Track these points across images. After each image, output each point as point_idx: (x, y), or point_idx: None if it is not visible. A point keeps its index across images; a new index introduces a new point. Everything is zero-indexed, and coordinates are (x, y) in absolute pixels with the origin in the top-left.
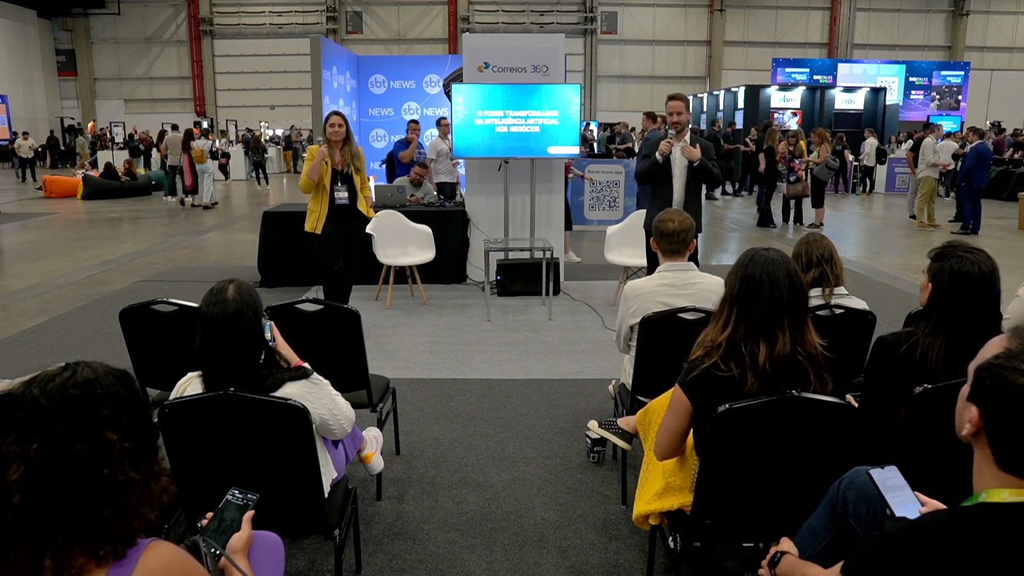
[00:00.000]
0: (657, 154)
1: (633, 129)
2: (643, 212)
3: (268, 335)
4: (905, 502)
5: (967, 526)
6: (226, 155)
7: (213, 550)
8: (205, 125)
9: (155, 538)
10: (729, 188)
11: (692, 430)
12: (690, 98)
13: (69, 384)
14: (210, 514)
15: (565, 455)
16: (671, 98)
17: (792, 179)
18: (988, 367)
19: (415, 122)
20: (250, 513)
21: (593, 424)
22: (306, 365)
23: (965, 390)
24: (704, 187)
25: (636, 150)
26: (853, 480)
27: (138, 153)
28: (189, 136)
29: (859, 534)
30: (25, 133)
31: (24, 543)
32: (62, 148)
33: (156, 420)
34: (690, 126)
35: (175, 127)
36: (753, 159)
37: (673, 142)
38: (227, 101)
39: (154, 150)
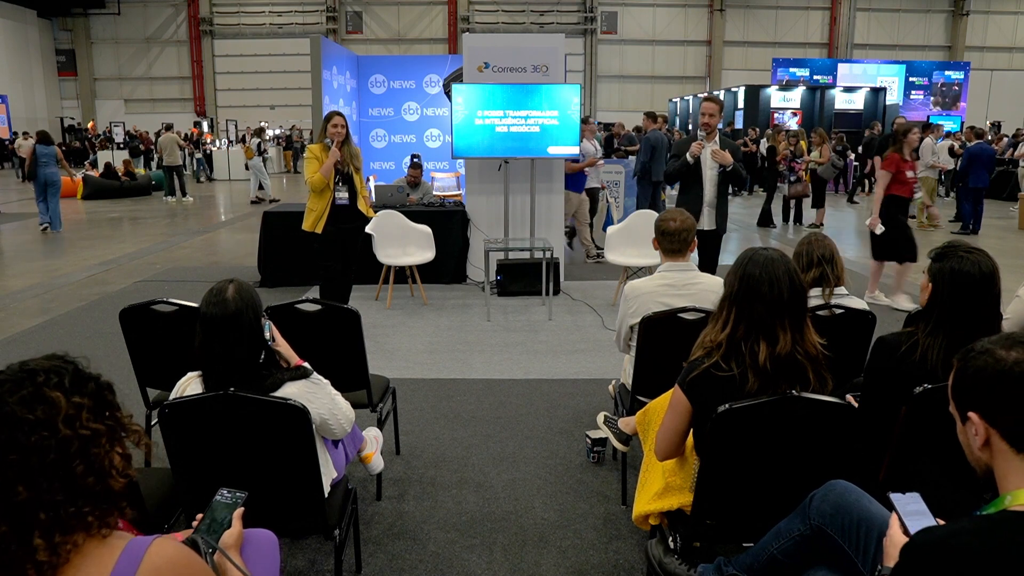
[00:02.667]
0: (688, 155)
1: (637, 128)
2: (643, 212)
3: (268, 335)
4: (923, 525)
5: (994, 534)
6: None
7: (209, 547)
8: (206, 125)
9: (159, 535)
10: (729, 188)
11: (692, 430)
12: (690, 98)
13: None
14: (200, 515)
15: (565, 455)
16: (705, 99)
17: (793, 179)
18: (958, 375)
19: (586, 121)
20: (240, 510)
21: (600, 417)
22: (306, 365)
23: (959, 424)
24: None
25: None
26: (827, 494)
27: (138, 153)
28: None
29: (840, 544)
30: (25, 133)
31: (8, 525)
32: (65, 148)
33: (156, 419)
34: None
35: (168, 127)
36: (753, 159)
37: (704, 144)
38: (227, 101)
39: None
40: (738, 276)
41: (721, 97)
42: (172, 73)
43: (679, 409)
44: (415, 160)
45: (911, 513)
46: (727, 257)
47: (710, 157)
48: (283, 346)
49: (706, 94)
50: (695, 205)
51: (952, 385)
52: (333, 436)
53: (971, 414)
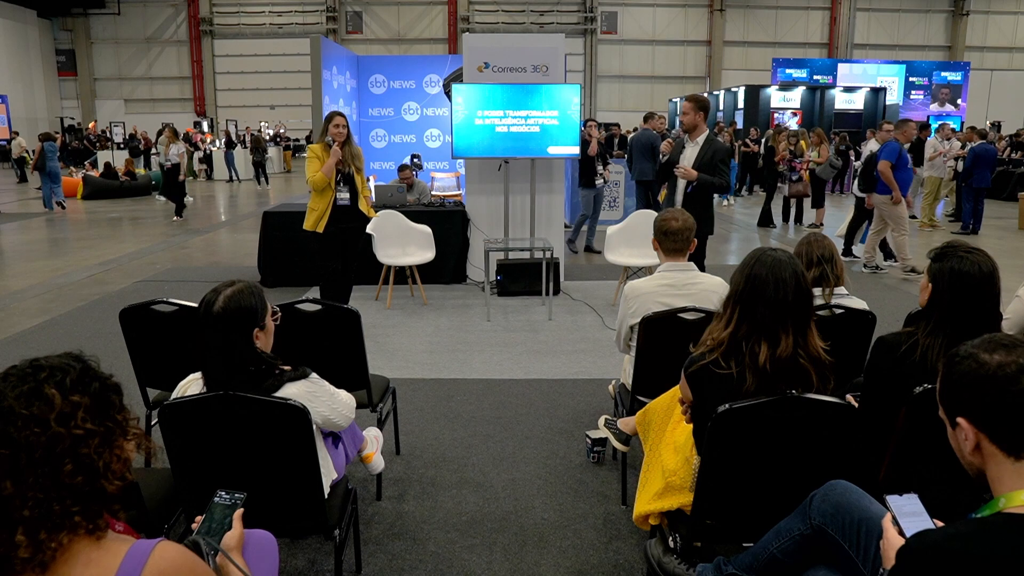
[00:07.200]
0: (660, 155)
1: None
2: (642, 212)
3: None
4: (919, 527)
5: (990, 536)
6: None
7: (211, 549)
8: (205, 125)
9: (163, 538)
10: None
11: (693, 427)
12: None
13: (10, 367)
14: (200, 517)
15: (565, 455)
16: (684, 99)
17: (795, 178)
18: (944, 380)
19: (902, 122)
20: (240, 511)
21: (601, 420)
22: (306, 368)
23: (950, 430)
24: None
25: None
26: (828, 494)
27: (138, 153)
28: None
29: (841, 545)
30: (16, 132)
31: None
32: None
33: (155, 420)
34: (709, 127)
35: (167, 127)
36: (754, 159)
37: (673, 142)
38: (227, 101)
39: (153, 149)
40: (744, 276)
41: (705, 95)
42: (172, 73)
43: (685, 389)
44: (404, 163)
45: (907, 515)
46: (726, 257)
47: (690, 156)
48: (264, 342)
49: (687, 95)
50: (669, 205)
51: (939, 391)
52: (339, 428)
53: (959, 419)
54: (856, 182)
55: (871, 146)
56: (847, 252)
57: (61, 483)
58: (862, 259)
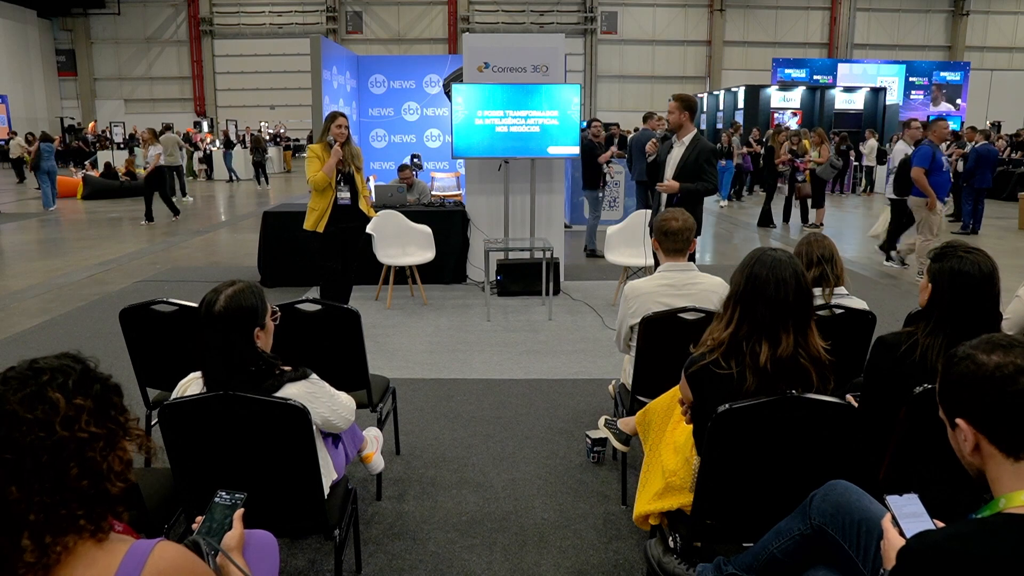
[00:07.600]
0: (646, 155)
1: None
2: (642, 212)
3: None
4: (919, 528)
5: (990, 537)
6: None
7: (211, 550)
8: (205, 125)
9: (162, 538)
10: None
11: (693, 427)
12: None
13: (8, 369)
14: (200, 518)
15: (565, 455)
16: (671, 99)
17: (800, 179)
18: (944, 381)
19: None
20: (241, 511)
21: (602, 420)
22: (306, 369)
23: (950, 430)
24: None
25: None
26: (828, 493)
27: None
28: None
29: (841, 545)
30: (14, 133)
31: None
32: (60, 148)
33: (155, 420)
34: (696, 128)
35: (168, 127)
36: (756, 160)
37: (659, 143)
38: (227, 101)
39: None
40: (744, 275)
41: (692, 95)
42: (172, 73)
43: (686, 391)
44: (404, 163)
45: (908, 515)
46: (727, 258)
47: (676, 156)
48: (264, 342)
49: (678, 93)
50: (657, 206)
51: (939, 391)
52: (338, 430)
53: (958, 420)
54: (889, 185)
55: (900, 147)
56: (889, 247)
57: (67, 487)
58: (898, 248)
